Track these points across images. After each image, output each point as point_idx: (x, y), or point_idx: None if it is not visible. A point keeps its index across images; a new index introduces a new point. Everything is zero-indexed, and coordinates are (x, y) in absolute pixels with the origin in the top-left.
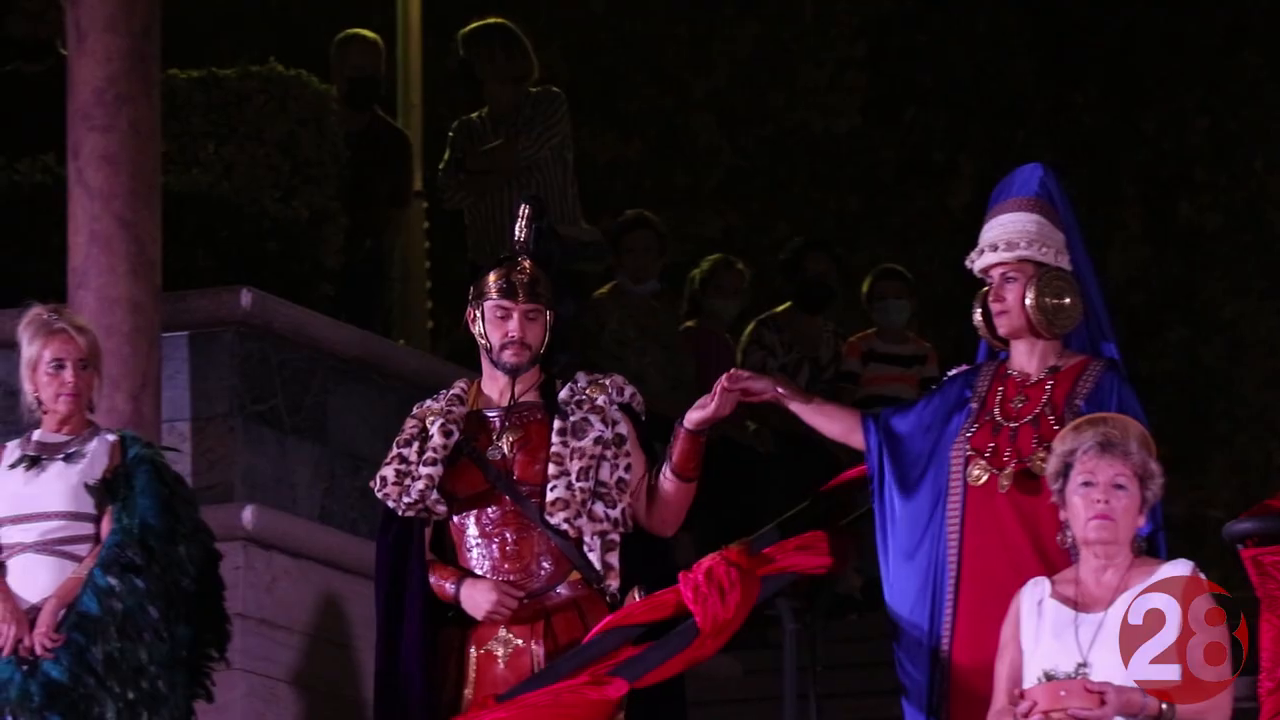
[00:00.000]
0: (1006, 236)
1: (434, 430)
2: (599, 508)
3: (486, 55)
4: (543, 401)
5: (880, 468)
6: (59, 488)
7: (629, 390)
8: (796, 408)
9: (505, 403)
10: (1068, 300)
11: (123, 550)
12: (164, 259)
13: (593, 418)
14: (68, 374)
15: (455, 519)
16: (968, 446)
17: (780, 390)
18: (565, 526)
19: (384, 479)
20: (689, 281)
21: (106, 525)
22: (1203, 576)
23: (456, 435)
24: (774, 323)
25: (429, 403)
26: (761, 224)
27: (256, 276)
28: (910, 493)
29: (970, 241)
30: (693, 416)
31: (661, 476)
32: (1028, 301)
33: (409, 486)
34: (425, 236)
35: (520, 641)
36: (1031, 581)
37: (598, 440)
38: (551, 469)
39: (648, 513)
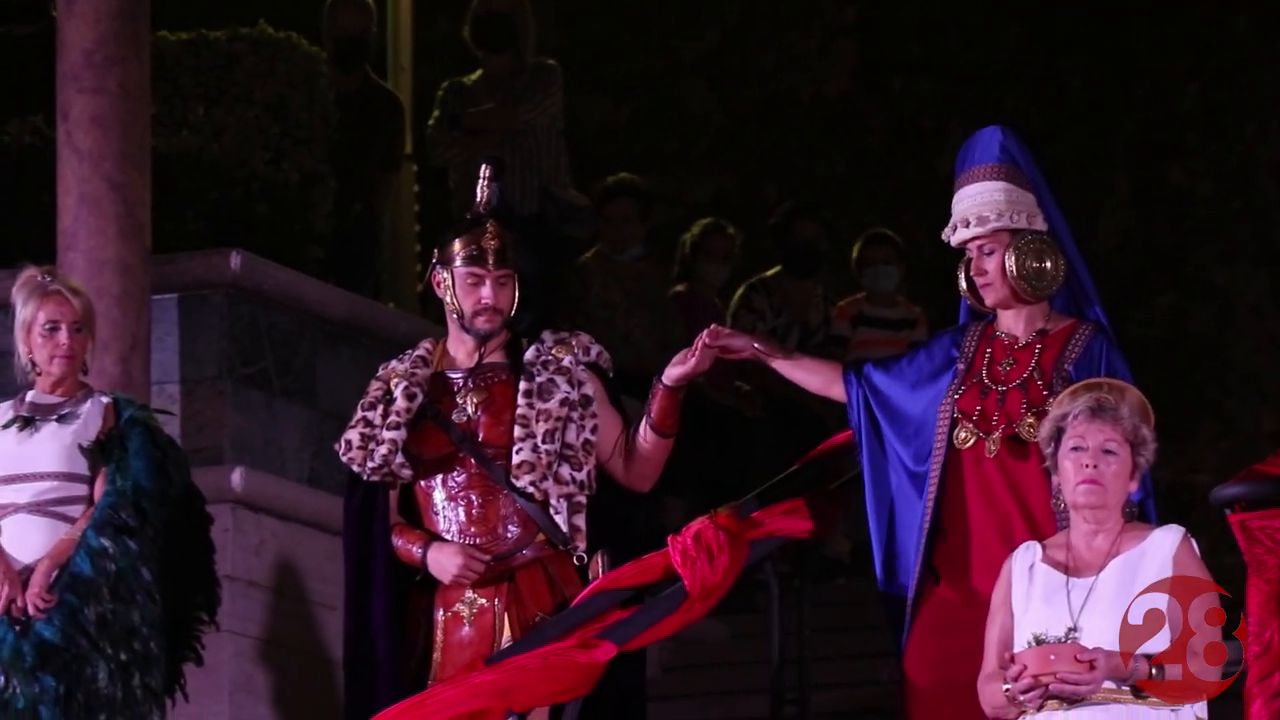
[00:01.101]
0: (977, 210)
1: (397, 393)
2: (565, 470)
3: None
4: (508, 362)
5: (862, 421)
6: (52, 449)
7: (595, 349)
8: (777, 364)
9: (471, 364)
10: (1048, 263)
11: (116, 512)
12: (153, 221)
13: (559, 379)
14: (62, 336)
15: (421, 482)
16: (955, 408)
17: (759, 347)
18: (531, 489)
19: (348, 443)
20: (679, 246)
21: (100, 487)
22: (1193, 542)
23: (420, 398)
24: (763, 286)
25: (393, 364)
26: (751, 188)
27: (246, 239)
28: (894, 448)
29: None
30: (672, 372)
31: (639, 433)
32: (1009, 270)
33: (373, 451)
34: (415, 200)
35: (485, 602)
36: (1023, 546)
37: (564, 402)
38: (517, 431)
39: (625, 469)
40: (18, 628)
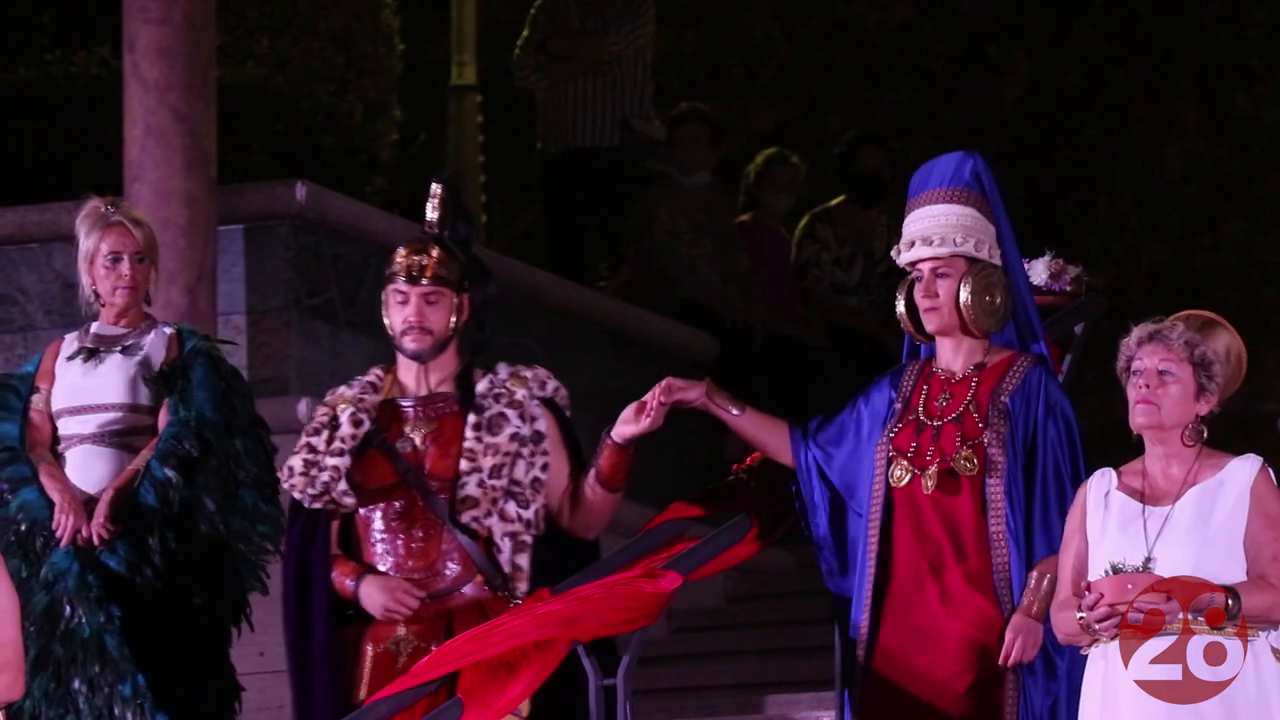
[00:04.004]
0: (940, 231)
1: (344, 419)
2: (511, 507)
3: None
4: (459, 394)
5: (814, 486)
6: (117, 380)
7: (552, 384)
8: (727, 418)
9: (421, 392)
10: (999, 299)
11: (180, 443)
12: (219, 152)
13: (510, 413)
14: (124, 267)
15: (362, 512)
16: (890, 447)
17: (711, 398)
18: (475, 525)
19: (291, 469)
20: (743, 176)
21: (163, 418)
22: (1270, 472)
23: (367, 425)
24: (827, 216)
25: (342, 389)
26: (815, 117)
27: (311, 170)
28: (844, 507)
29: (1024, 136)
30: (623, 430)
31: (586, 483)
32: (963, 299)
33: (315, 478)
34: (479, 130)
35: (419, 642)
36: (1098, 472)
37: (513, 437)
38: (464, 465)
39: (570, 516)
40: (83, 558)
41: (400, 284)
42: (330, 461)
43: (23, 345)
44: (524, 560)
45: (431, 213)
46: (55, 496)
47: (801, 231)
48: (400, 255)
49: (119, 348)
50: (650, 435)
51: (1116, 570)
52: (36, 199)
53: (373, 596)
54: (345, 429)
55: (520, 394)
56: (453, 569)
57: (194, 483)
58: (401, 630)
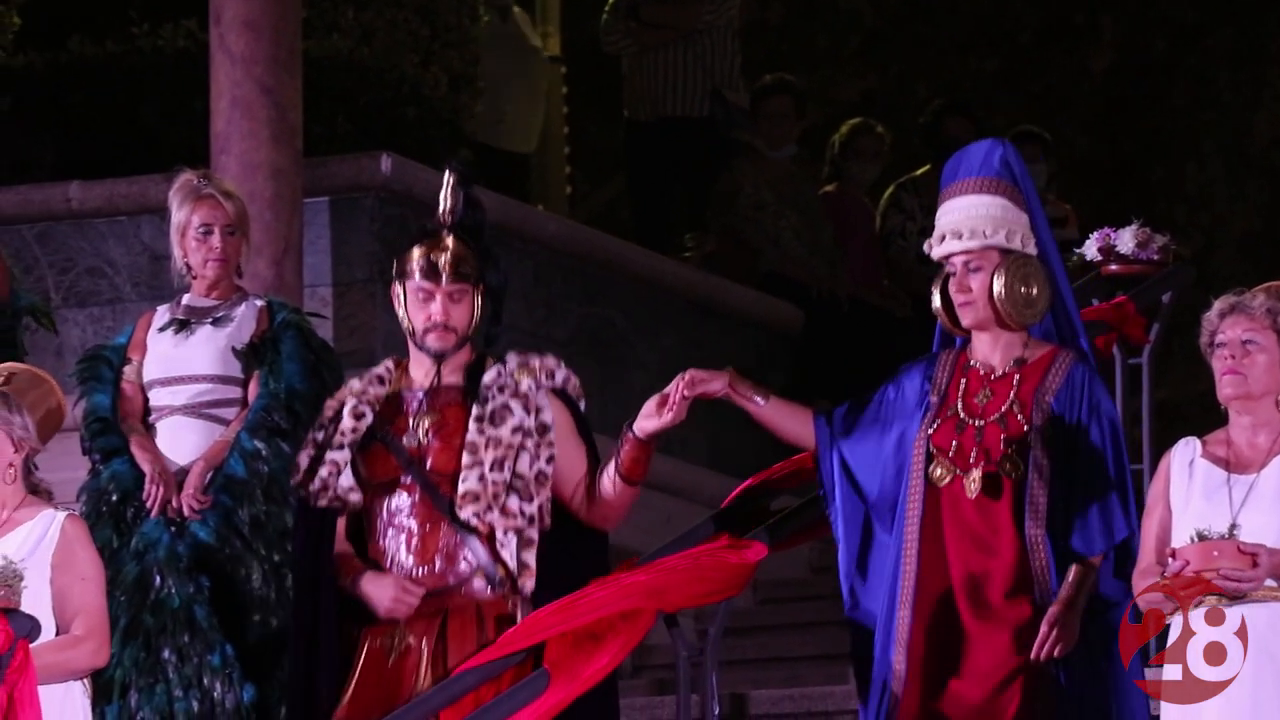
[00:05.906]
0: (970, 223)
1: (346, 413)
2: (513, 502)
3: None
4: (465, 385)
5: (835, 470)
6: (207, 351)
7: (561, 374)
8: (750, 408)
9: (429, 385)
10: (1035, 290)
11: (269, 414)
12: (304, 125)
13: (514, 404)
14: (216, 239)
15: (370, 507)
16: (929, 444)
17: (734, 388)
18: (475, 521)
19: (298, 466)
20: (829, 146)
21: (253, 389)
22: None
23: (369, 418)
24: (913, 186)
25: (352, 382)
26: (901, 87)
27: (396, 142)
28: (869, 499)
29: (1111, 105)
30: (644, 425)
31: (605, 477)
32: (997, 292)
33: (316, 473)
34: (564, 101)
35: (411, 640)
36: (1181, 441)
37: (516, 429)
38: (465, 458)
39: (588, 509)
40: (173, 528)
41: (423, 281)
42: (330, 456)
43: (111, 317)
44: (530, 557)
45: (445, 201)
46: (146, 467)
47: (887, 201)
48: (418, 250)
49: (210, 319)
50: (734, 406)
51: (1203, 537)
52: (124, 172)
53: (374, 595)
54: (346, 422)
55: (525, 385)
56: (456, 565)
57: (283, 454)
58: (400, 628)
